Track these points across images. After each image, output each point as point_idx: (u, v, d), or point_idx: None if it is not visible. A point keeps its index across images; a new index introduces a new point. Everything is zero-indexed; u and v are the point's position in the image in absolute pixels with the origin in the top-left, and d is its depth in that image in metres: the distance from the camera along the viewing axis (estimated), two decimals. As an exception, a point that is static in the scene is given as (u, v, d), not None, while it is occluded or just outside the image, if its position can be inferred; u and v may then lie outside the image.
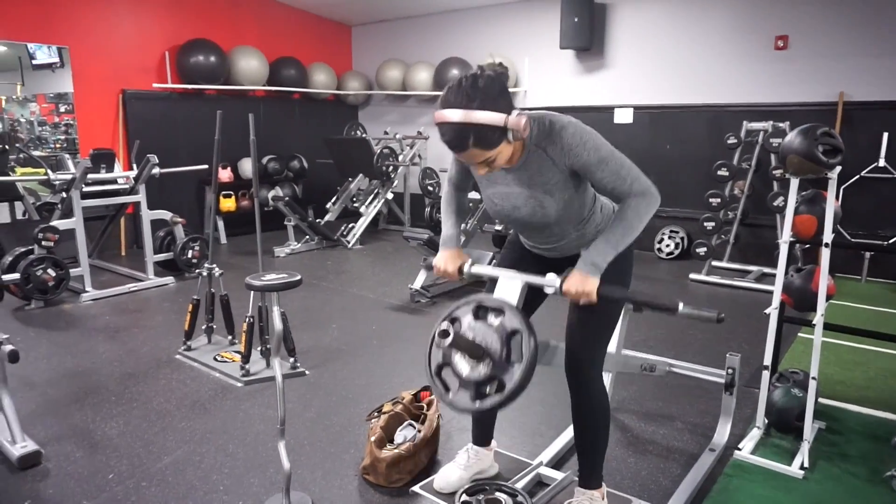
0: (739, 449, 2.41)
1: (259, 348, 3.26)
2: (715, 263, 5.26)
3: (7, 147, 5.80)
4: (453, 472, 1.77)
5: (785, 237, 2.37)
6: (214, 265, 3.44)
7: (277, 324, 1.97)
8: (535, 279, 1.55)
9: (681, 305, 1.42)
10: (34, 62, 5.85)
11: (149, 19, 6.13)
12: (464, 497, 1.53)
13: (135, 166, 5.02)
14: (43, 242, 4.18)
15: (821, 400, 2.82)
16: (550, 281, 1.53)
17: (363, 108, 8.36)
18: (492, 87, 1.40)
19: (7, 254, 4.27)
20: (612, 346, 2.07)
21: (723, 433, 2.48)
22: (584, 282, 1.47)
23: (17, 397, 2.86)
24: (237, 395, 2.95)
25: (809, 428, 2.37)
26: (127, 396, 2.92)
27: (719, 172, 4.98)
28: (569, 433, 2.43)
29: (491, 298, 1.48)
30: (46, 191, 5.74)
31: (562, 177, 1.55)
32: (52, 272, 4.21)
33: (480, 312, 1.48)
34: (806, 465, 2.29)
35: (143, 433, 2.57)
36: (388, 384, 3.04)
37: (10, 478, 2.25)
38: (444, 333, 1.35)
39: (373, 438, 2.25)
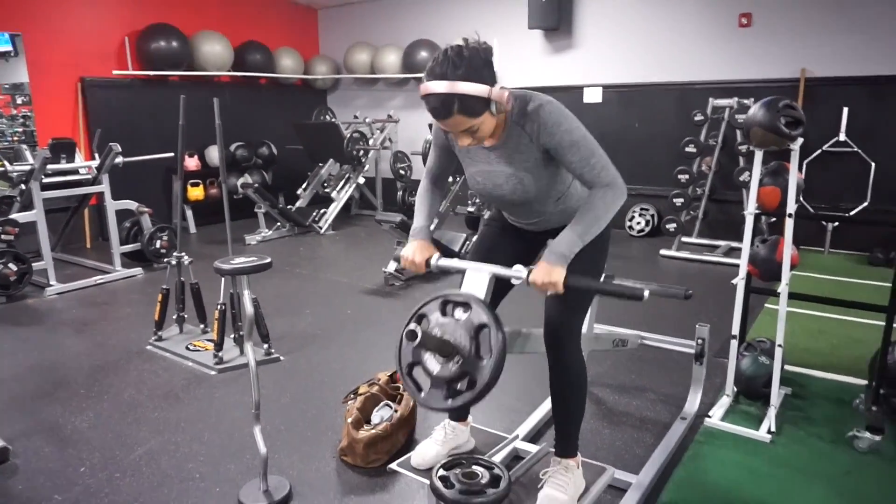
0: (710, 416, 2.47)
1: (232, 336, 3.22)
2: (685, 239, 5.34)
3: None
4: (430, 447, 1.78)
5: (750, 209, 2.42)
6: (183, 253, 3.38)
7: (248, 308, 1.95)
8: (502, 271, 1.56)
9: (646, 293, 1.44)
10: (-8, 51, 5.63)
11: (107, 3, 5.93)
12: (440, 472, 1.53)
13: (97, 156, 4.89)
14: (2, 237, 4.05)
15: (787, 367, 2.90)
16: (517, 272, 1.53)
17: (332, 93, 8.25)
18: (476, 58, 1.44)
19: (-35, 249, 4.14)
20: (583, 327, 2.09)
21: (693, 402, 2.54)
22: (550, 272, 1.49)
23: (-19, 394, 2.80)
24: (211, 384, 2.91)
25: (776, 394, 2.44)
26: (97, 389, 2.86)
27: (687, 149, 5.06)
28: (545, 407, 2.47)
29: (457, 293, 1.48)
30: (5, 184, 5.57)
31: (539, 154, 1.57)
32: (13, 266, 4.09)
33: (448, 308, 1.48)
34: (773, 429, 2.36)
35: (114, 425, 2.53)
36: (363, 367, 3.03)
37: (-22, 475, 2.19)
38: (412, 335, 1.34)
39: (349, 420, 2.25)
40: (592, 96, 6.10)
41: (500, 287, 1.76)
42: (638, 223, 5.92)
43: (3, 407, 2.71)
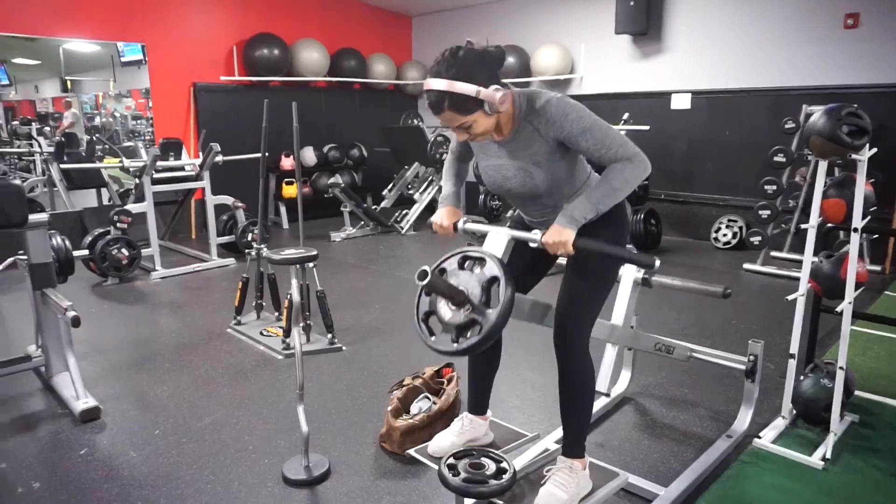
0: (759, 437, 2.37)
1: (301, 324, 3.46)
2: (774, 254, 5.05)
3: (94, 138, 6.34)
4: (447, 437, 1.86)
5: (812, 221, 2.30)
6: (263, 246, 3.66)
7: (295, 296, 2.12)
8: (520, 234, 1.65)
9: (657, 262, 1.48)
10: (122, 59, 6.33)
11: (218, 16, 6.50)
12: (450, 460, 1.61)
13: (201, 154, 5.36)
14: (118, 224, 4.56)
15: (860, 393, 2.72)
16: (533, 235, 1.61)
17: (422, 98, 8.50)
18: (468, 58, 1.52)
19: (88, 234, 4.70)
20: (618, 319, 2.09)
21: (743, 420, 2.44)
22: (560, 233, 1.55)
23: (86, 360, 3.20)
24: (277, 367, 3.15)
25: (836, 419, 2.30)
26: (179, 364, 3.18)
27: (776, 159, 4.78)
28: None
29: (475, 249, 1.58)
30: (132, 179, 6.23)
31: (549, 148, 1.63)
32: (125, 252, 4.59)
33: (465, 262, 1.58)
34: (828, 456, 2.23)
35: (189, 396, 2.82)
36: (418, 362, 3.15)
37: (73, 429, 2.53)
38: (423, 274, 1.43)
39: (389, 409, 2.38)
40: (680, 102, 5.90)
41: (537, 269, 1.87)
42: (724, 235, 5.65)
43: (102, 372, 3.08)
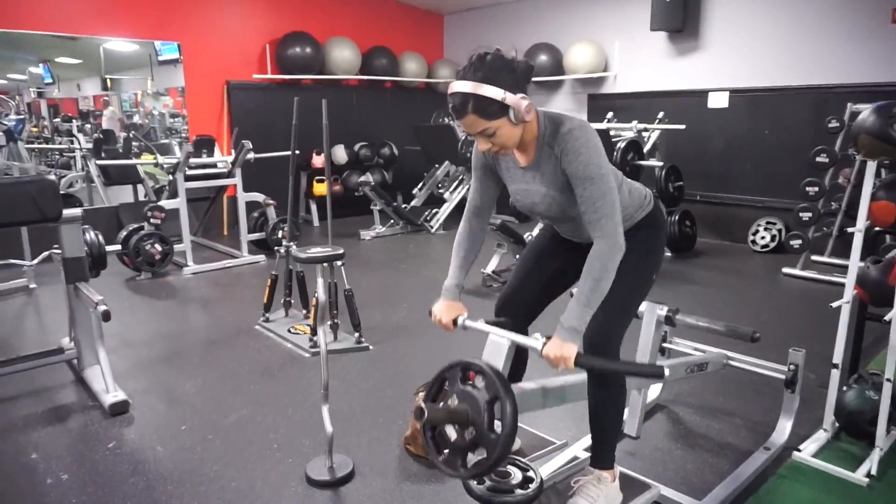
0: (799, 450, 2.27)
1: (328, 322, 3.45)
2: (815, 258, 4.87)
3: (130, 135, 6.46)
4: (472, 443, 1.82)
5: (859, 225, 2.19)
6: (292, 243, 3.67)
7: (321, 295, 2.10)
8: (521, 339, 1.56)
9: (667, 371, 1.40)
10: (159, 58, 6.45)
11: (252, 15, 6.56)
12: (476, 467, 1.57)
13: (233, 151, 5.42)
14: (151, 220, 4.63)
15: (910, 406, 2.58)
16: (534, 343, 1.53)
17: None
18: (496, 63, 1.47)
19: (123, 229, 4.78)
20: (644, 357, 2.01)
21: (782, 432, 2.34)
22: (561, 348, 1.49)
23: (117, 354, 3.24)
24: (304, 365, 3.15)
25: (882, 433, 2.19)
26: (208, 359, 3.20)
27: (818, 159, 4.60)
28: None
29: (476, 362, 1.50)
30: (166, 175, 6.34)
31: (565, 176, 1.57)
32: (158, 247, 4.66)
33: (467, 375, 1.52)
34: (873, 472, 2.12)
35: (216, 393, 2.83)
36: (445, 362, 3.11)
37: (102, 422, 2.56)
38: (420, 413, 1.39)
39: (421, 392, 2.34)
40: (718, 101, 5.74)
41: (570, 269, 1.78)
42: (762, 238, 5.48)
43: (132, 366, 3.12)
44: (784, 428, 2.35)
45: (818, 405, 2.57)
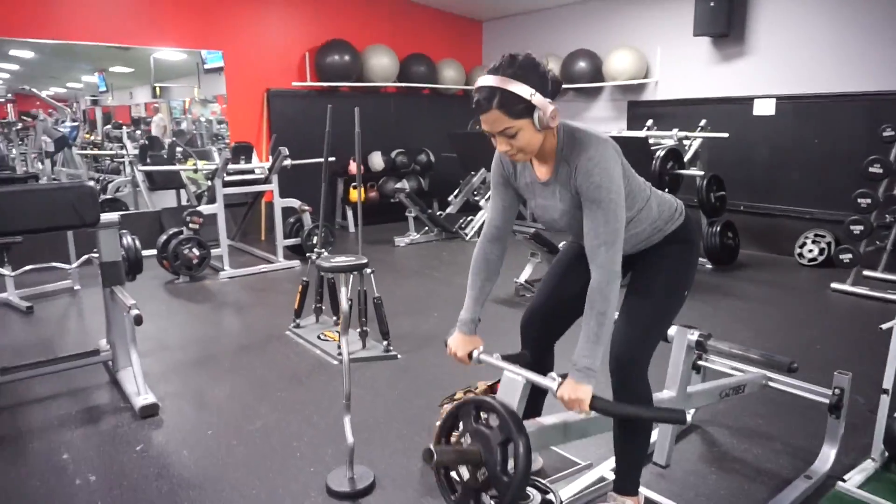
0: (844, 480, 2.13)
1: (358, 330, 3.45)
2: (867, 273, 4.61)
3: (173, 141, 6.64)
4: (491, 462, 1.76)
5: (913, 242, 2.05)
6: (323, 250, 3.69)
7: (344, 305, 2.09)
8: (537, 378, 1.52)
9: (689, 417, 1.34)
10: (205, 67, 6.63)
11: (292, 23, 6.67)
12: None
13: (271, 158, 5.49)
14: (190, 225, 4.73)
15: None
16: (549, 383, 1.49)
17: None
18: (527, 64, 1.44)
19: (163, 233, 4.90)
20: (672, 391, 1.91)
21: (825, 460, 2.21)
22: (575, 390, 1.43)
23: (152, 357, 3.30)
24: (331, 372, 3.14)
25: (936, 465, 2.04)
26: (238, 365, 3.23)
27: (871, 169, 4.38)
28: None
29: (489, 401, 1.46)
30: (203, 181, 6.49)
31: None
32: (196, 251, 4.75)
33: (480, 414, 1.48)
34: (925, 507, 1.98)
35: (243, 398, 2.85)
36: (474, 374, 3.04)
37: (132, 424, 2.60)
38: (429, 455, 1.36)
39: (438, 423, 2.30)
40: (764, 108, 5.53)
41: (578, 304, 1.71)
42: (810, 251, 5.25)
43: (165, 369, 3.17)
44: (828, 456, 2.21)
45: (866, 432, 2.42)
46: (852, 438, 2.39)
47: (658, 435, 1.98)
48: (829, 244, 5.18)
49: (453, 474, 1.49)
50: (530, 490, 1.52)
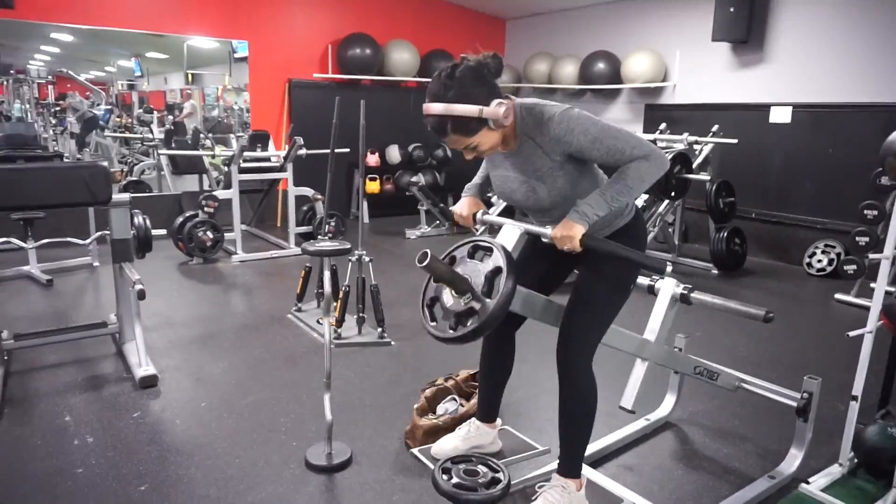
0: (807, 483, 2.17)
1: (355, 316, 3.55)
2: (874, 285, 4.58)
3: (196, 128, 6.84)
4: (450, 441, 1.85)
5: (887, 251, 2.08)
6: (325, 239, 3.80)
7: (327, 287, 2.19)
8: (533, 228, 1.64)
9: (668, 267, 1.42)
10: (235, 56, 6.80)
11: (316, 16, 6.80)
12: (446, 464, 1.60)
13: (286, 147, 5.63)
14: (205, 208, 4.89)
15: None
16: (545, 230, 1.60)
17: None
18: (467, 77, 1.51)
19: (180, 215, 5.07)
20: (651, 335, 1.98)
21: (791, 463, 2.25)
22: (570, 227, 1.52)
23: (158, 332, 3.46)
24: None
25: (900, 474, 2.07)
26: (238, 343, 3.37)
27: (880, 181, 4.34)
28: (601, 436, 2.38)
29: (486, 239, 1.57)
30: (223, 167, 6.67)
31: (554, 164, 1.58)
32: (209, 234, 4.91)
33: (476, 252, 1.59)
34: (885, 513, 2.01)
35: (238, 375, 2.98)
36: (463, 363, 3.14)
37: (132, 393, 2.75)
38: (423, 256, 1.44)
39: (416, 406, 2.40)
40: (780, 116, 5.49)
41: (558, 274, 1.81)
42: (819, 261, 5.21)
43: (168, 345, 3.32)
44: (794, 458, 2.26)
45: (841, 439, 2.45)
46: (826, 445, 2.42)
47: (629, 383, 2.02)
48: (838, 255, 5.13)
49: (438, 306, 1.59)
50: (481, 468, 1.59)
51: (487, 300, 1.48)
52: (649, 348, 1.96)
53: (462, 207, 1.89)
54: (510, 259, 1.51)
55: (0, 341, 2.90)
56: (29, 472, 2.14)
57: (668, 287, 2.06)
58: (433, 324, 1.58)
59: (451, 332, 1.53)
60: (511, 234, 1.67)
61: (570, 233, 1.51)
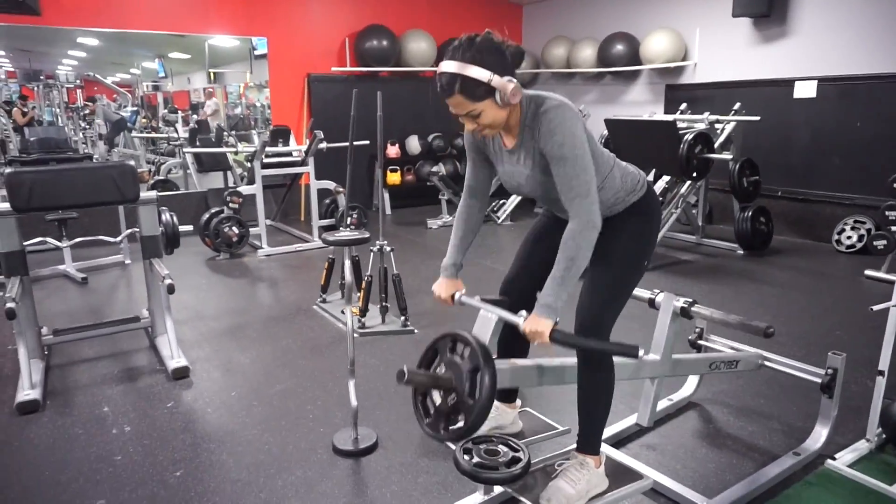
0: (834, 459, 2.16)
1: (378, 305, 3.61)
2: (905, 261, 4.49)
3: (219, 125, 6.95)
4: (472, 423, 1.89)
5: (910, 225, 2.05)
6: (346, 230, 3.85)
7: (347, 275, 2.24)
8: (507, 316, 1.62)
9: (641, 351, 1.42)
10: (256, 53, 6.89)
11: (333, 9, 6.84)
12: (468, 444, 1.65)
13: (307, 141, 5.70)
14: (230, 204, 4.99)
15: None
16: (517, 319, 1.59)
17: (530, 87, 8.38)
18: (484, 45, 1.51)
19: (206, 212, 5.18)
20: (657, 355, 1.98)
21: (817, 439, 2.24)
22: (537, 323, 1.53)
23: (188, 325, 3.56)
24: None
25: (928, 448, 2.05)
26: (265, 335, 3.45)
27: (910, 154, 4.24)
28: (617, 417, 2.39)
29: (462, 333, 1.58)
30: (247, 164, 6.78)
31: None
32: (235, 230, 5.02)
33: (454, 345, 1.60)
34: (913, 487, 1.99)
35: (266, 365, 3.06)
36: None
37: (165, 384, 2.84)
38: (400, 375, 1.47)
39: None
40: (805, 91, 5.37)
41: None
42: (848, 237, 5.10)
43: (199, 337, 3.42)
44: (819, 434, 2.24)
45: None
46: (854, 421, 2.40)
47: (642, 400, 2.05)
48: (868, 231, 5.02)
49: (429, 402, 1.62)
50: (501, 447, 1.63)
51: (471, 401, 1.49)
52: (658, 367, 1.96)
53: (440, 289, 1.86)
54: (487, 355, 1.51)
55: (41, 337, 3.03)
56: (71, 459, 2.24)
57: (668, 302, 2.06)
58: (427, 420, 1.60)
59: (442, 432, 1.55)
60: (486, 323, 1.66)
61: (538, 328, 1.52)
